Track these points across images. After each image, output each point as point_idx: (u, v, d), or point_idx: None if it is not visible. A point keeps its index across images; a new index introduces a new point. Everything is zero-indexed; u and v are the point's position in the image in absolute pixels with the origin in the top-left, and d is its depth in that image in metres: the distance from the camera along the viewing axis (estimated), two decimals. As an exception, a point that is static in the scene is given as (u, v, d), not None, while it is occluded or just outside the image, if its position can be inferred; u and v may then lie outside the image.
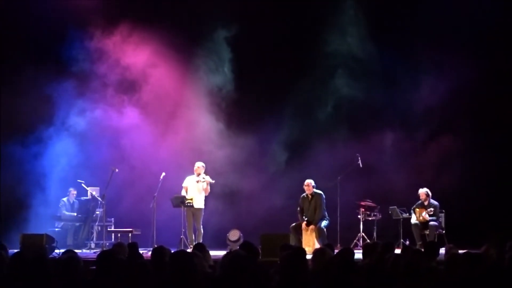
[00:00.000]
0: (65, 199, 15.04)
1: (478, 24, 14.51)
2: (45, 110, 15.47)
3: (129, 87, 15.76)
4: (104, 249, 11.68)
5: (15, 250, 8.19)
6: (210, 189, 13.85)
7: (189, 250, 8.48)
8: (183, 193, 13.83)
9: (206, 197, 13.90)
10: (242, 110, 15.79)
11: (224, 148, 15.48)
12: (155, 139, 15.55)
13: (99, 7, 15.58)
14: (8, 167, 15.43)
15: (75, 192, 15.08)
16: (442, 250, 8.69)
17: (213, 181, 13.84)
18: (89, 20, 15.46)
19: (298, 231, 13.52)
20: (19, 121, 15.48)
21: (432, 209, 13.87)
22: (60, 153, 15.28)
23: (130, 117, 15.58)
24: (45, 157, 15.25)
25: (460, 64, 14.55)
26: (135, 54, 15.56)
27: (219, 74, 15.64)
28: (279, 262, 5.88)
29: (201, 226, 13.74)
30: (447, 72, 14.75)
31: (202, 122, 15.59)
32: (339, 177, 14.78)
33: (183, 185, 13.88)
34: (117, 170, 14.04)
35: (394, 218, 14.47)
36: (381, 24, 15.32)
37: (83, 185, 14.93)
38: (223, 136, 15.57)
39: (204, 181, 13.71)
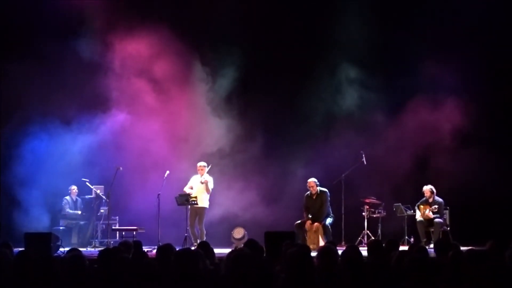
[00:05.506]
0: (67, 197, 15.07)
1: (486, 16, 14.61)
2: (44, 106, 15.35)
3: (134, 84, 15.72)
4: (109, 247, 11.67)
5: (20, 249, 8.19)
6: (212, 187, 13.89)
7: (193, 248, 8.48)
8: (187, 189, 13.86)
9: (210, 196, 13.94)
10: (247, 112, 15.73)
11: (228, 149, 15.51)
12: (160, 137, 15.52)
13: (107, 5, 15.58)
14: (8, 164, 15.39)
15: (76, 188, 15.08)
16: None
17: (211, 178, 13.84)
18: (97, 16, 15.43)
19: (302, 229, 13.53)
20: (20, 115, 15.40)
21: (436, 206, 13.86)
22: (62, 150, 15.29)
23: (134, 115, 15.58)
24: (47, 154, 15.25)
25: (470, 56, 14.62)
26: (142, 53, 15.52)
27: (225, 77, 15.62)
28: (284, 260, 5.87)
29: (203, 226, 13.76)
30: (456, 67, 14.74)
31: (209, 123, 15.56)
32: (343, 175, 14.80)
33: (188, 185, 13.90)
34: (121, 168, 14.09)
35: (398, 215, 14.48)
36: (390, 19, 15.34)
37: (87, 183, 14.96)
38: (227, 137, 15.56)
39: (205, 181, 13.77)
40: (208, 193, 13.86)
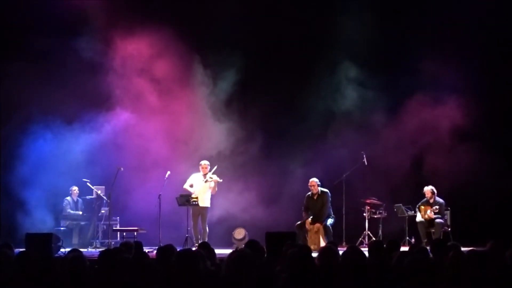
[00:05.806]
0: (68, 198, 15.07)
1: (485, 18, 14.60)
2: (45, 106, 15.29)
3: (134, 85, 15.70)
4: (109, 248, 11.67)
5: (21, 249, 8.19)
6: (217, 188, 13.91)
7: (194, 249, 8.48)
8: (186, 187, 13.86)
9: (212, 195, 13.95)
10: (247, 112, 15.73)
11: (228, 151, 15.51)
12: (161, 138, 15.51)
13: (108, 4, 15.55)
14: (10, 163, 15.38)
15: (77, 189, 15.08)
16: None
17: (221, 180, 13.87)
18: (98, 16, 15.41)
19: (303, 229, 13.53)
20: (21, 115, 15.38)
21: (437, 207, 13.85)
22: (63, 150, 15.28)
23: (135, 115, 15.57)
24: (48, 154, 15.23)
25: (470, 56, 14.63)
26: (142, 52, 15.51)
27: (225, 79, 15.62)
28: (285, 260, 5.86)
29: (207, 225, 13.77)
30: (457, 66, 14.73)
31: (209, 126, 15.55)
32: (344, 175, 14.80)
33: (188, 183, 13.90)
34: (122, 169, 14.09)
35: (399, 216, 14.47)
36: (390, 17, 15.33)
37: (88, 184, 14.95)
38: (228, 140, 15.54)
39: (212, 180, 13.74)
40: (213, 192, 13.87)
